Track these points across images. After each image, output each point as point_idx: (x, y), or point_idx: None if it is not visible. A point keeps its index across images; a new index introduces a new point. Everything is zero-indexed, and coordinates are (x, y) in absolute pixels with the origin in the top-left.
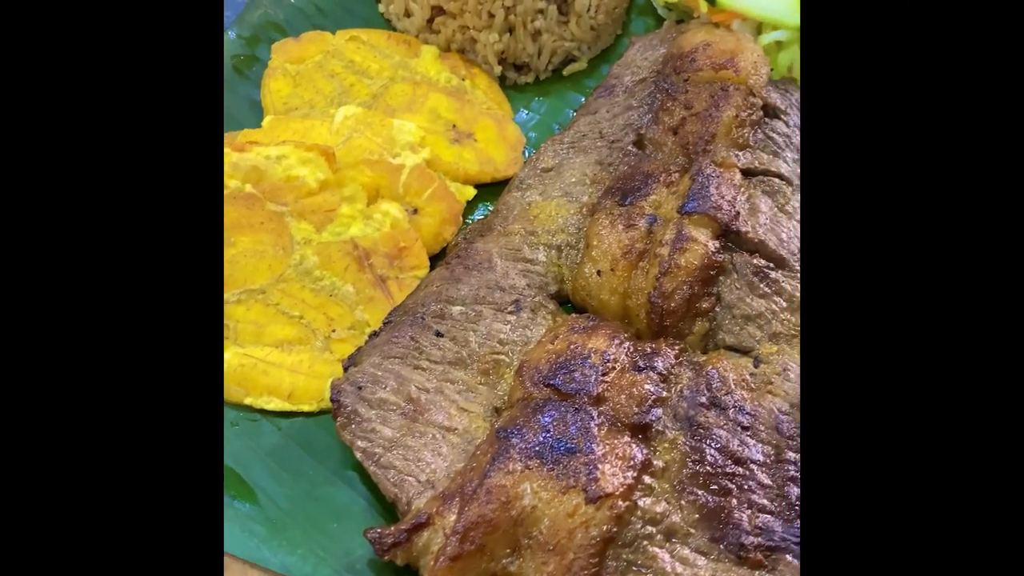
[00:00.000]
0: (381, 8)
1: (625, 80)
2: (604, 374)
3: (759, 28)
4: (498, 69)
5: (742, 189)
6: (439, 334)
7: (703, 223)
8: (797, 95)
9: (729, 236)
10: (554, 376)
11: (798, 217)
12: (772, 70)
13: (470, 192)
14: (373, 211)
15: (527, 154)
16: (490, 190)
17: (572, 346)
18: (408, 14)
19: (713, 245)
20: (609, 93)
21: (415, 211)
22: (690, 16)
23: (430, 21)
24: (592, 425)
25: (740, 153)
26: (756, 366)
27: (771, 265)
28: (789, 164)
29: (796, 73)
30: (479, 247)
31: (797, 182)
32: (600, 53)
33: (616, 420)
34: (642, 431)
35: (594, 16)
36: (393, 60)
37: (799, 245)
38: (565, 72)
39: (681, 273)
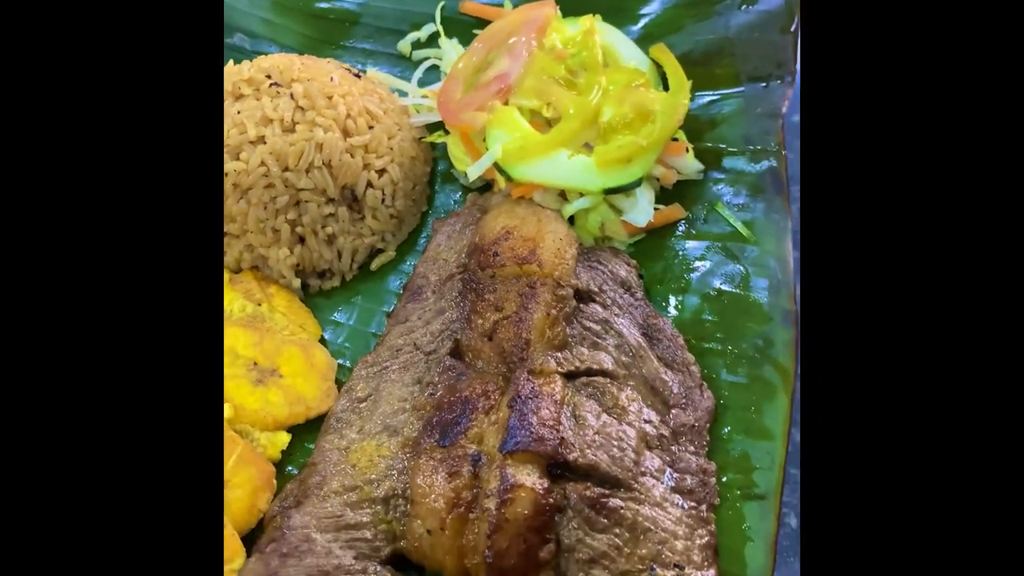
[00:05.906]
0: None
1: (432, 279)
2: None
3: (564, 193)
4: (296, 282)
5: (565, 400)
6: None
7: (527, 459)
8: (611, 263)
9: (558, 466)
10: None
11: (632, 410)
12: (581, 243)
13: (283, 440)
14: None
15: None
16: (308, 427)
17: None
18: None
19: (541, 485)
20: (418, 296)
21: None
22: (492, 186)
23: None
24: None
25: (559, 355)
26: None
27: (606, 492)
28: (612, 352)
29: (609, 230)
30: (295, 522)
31: (623, 371)
32: (408, 236)
33: None
34: None
35: (391, 204)
36: None
37: (634, 449)
38: (373, 267)
39: (512, 527)
